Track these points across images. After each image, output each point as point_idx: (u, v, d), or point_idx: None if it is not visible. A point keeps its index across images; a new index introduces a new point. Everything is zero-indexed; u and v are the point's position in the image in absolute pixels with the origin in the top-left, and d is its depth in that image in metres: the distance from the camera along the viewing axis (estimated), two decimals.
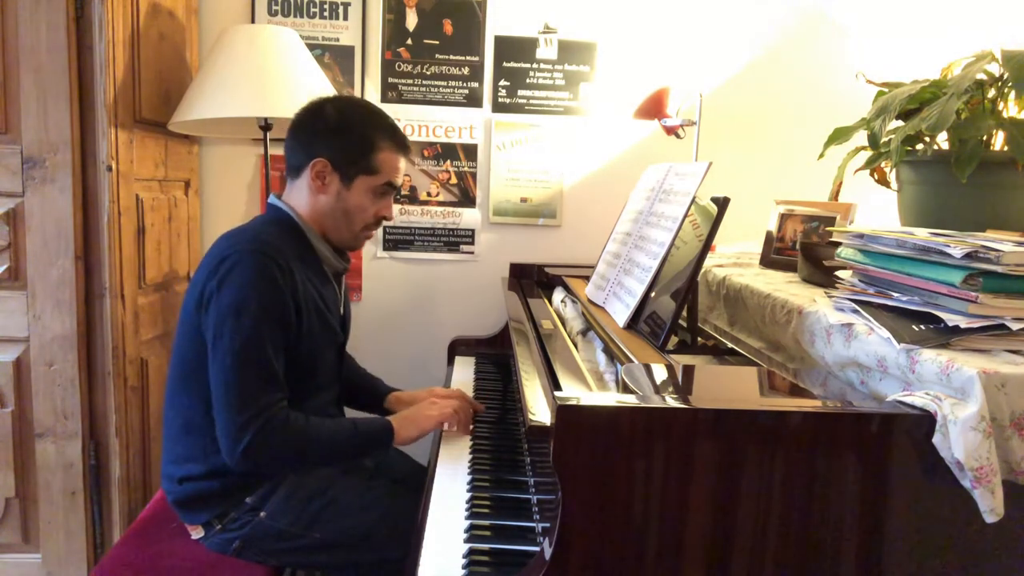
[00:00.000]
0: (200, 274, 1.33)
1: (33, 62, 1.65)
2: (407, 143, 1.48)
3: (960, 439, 0.85)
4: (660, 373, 1.09)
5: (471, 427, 1.52)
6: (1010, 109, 1.35)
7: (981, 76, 1.29)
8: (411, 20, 2.23)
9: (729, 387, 1.11)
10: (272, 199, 1.47)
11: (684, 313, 1.29)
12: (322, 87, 1.95)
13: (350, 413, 1.75)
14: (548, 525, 0.97)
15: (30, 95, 1.65)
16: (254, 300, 1.27)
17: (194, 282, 1.34)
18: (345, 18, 2.22)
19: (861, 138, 1.48)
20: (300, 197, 1.44)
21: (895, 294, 1.08)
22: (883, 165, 1.51)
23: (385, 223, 2.30)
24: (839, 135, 1.53)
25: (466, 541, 1.11)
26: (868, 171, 1.52)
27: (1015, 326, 0.93)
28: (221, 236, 1.37)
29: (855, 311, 1.11)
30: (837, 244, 1.27)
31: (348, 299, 1.64)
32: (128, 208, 1.80)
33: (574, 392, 1.01)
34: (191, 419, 1.34)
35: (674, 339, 1.34)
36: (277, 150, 2.25)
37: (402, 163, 1.47)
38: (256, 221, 1.44)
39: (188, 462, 1.35)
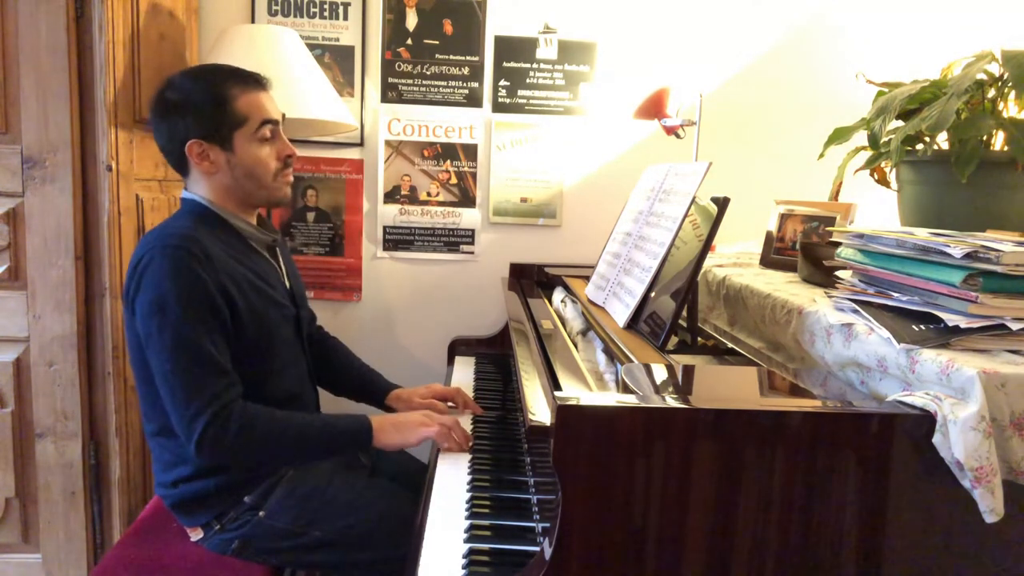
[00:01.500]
0: (124, 283, 1.31)
1: (33, 62, 1.65)
2: (258, 77, 1.41)
3: (960, 439, 0.85)
4: (660, 373, 1.09)
5: (469, 443, 1.45)
6: (1010, 109, 1.35)
7: (981, 76, 1.29)
8: (411, 20, 2.23)
9: (729, 387, 1.11)
10: (183, 193, 1.42)
11: (684, 313, 1.29)
12: (322, 87, 1.95)
13: (348, 406, 1.77)
14: (548, 525, 0.97)
15: (30, 95, 1.66)
16: (173, 293, 1.24)
17: (123, 293, 1.32)
18: (345, 18, 2.22)
19: (861, 138, 1.48)
20: (200, 185, 1.40)
21: (895, 294, 1.08)
22: (883, 165, 1.51)
23: (386, 222, 2.30)
24: (839, 135, 1.53)
25: (466, 541, 1.11)
26: (868, 171, 1.52)
27: (1015, 326, 0.93)
28: (139, 240, 1.35)
29: (855, 311, 1.11)
30: (837, 244, 1.27)
31: (295, 271, 1.59)
32: (128, 208, 1.80)
33: (574, 392, 1.01)
34: (164, 423, 1.32)
35: (674, 339, 1.34)
36: None
37: (264, 98, 1.39)
38: (167, 219, 1.41)
39: (176, 465, 1.34)
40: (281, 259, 1.53)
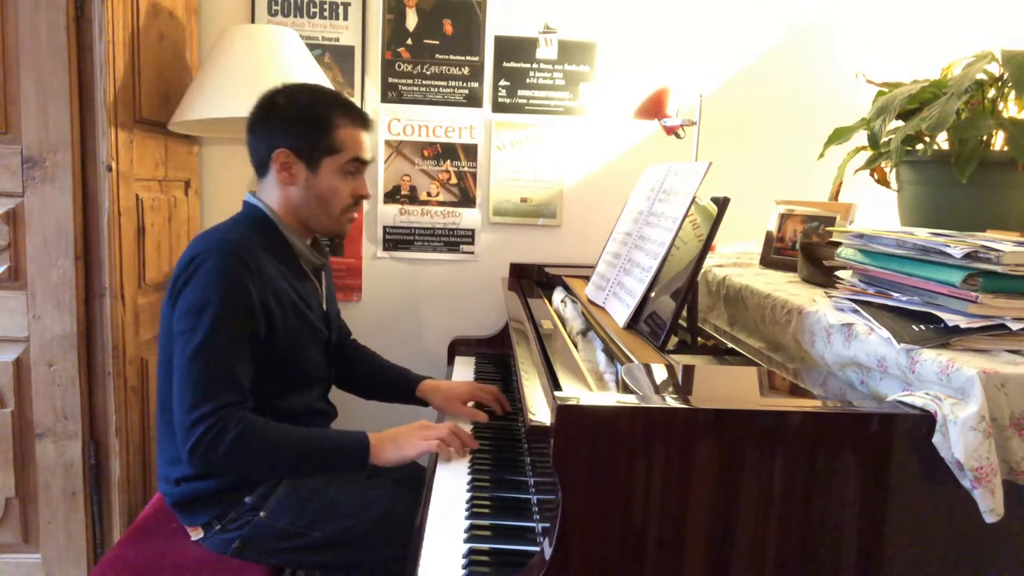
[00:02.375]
0: (173, 274, 1.33)
1: (33, 62, 1.65)
2: (365, 116, 1.46)
3: (960, 439, 0.85)
4: (660, 373, 1.09)
5: (468, 449, 1.43)
6: (1010, 109, 1.35)
7: (981, 76, 1.30)
8: (411, 20, 2.23)
9: (729, 387, 1.11)
10: (248, 197, 1.46)
11: (684, 313, 1.29)
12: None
13: (379, 407, 1.78)
14: (548, 525, 0.97)
15: (30, 95, 1.65)
16: (216, 299, 1.25)
17: (170, 282, 1.34)
18: (345, 18, 2.22)
19: (861, 138, 1.48)
20: (272, 193, 1.43)
21: (895, 294, 1.08)
22: (883, 165, 1.51)
23: (386, 222, 2.30)
24: (839, 135, 1.53)
25: (466, 541, 1.11)
26: (868, 171, 1.52)
27: (1015, 326, 0.93)
28: (197, 235, 1.37)
29: (855, 311, 1.11)
30: (837, 244, 1.27)
31: (333, 295, 1.62)
32: (128, 208, 1.80)
33: (574, 392, 1.01)
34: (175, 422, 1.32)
35: (674, 339, 1.34)
36: None
37: (364, 137, 1.44)
38: (229, 220, 1.43)
39: (181, 462, 1.33)
40: (324, 282, 1.55)
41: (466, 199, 2.32)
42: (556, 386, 1.07)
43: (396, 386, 1.70)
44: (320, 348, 1.50)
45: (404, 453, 1.35)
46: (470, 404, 1.62)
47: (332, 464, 1.33)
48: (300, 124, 1.40)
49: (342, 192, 1.43)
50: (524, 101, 2.28)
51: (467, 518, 1.18)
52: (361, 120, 1.45)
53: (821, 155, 1.58)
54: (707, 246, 1.24)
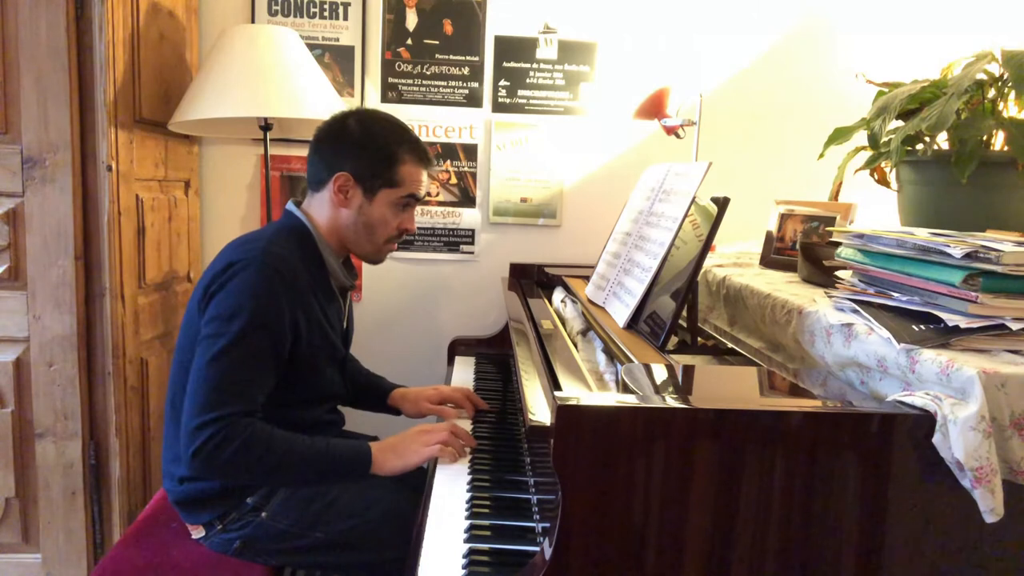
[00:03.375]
0: (207, 276, 1.33)
1: (33, 62, 1.65)
2: (429, 156, 1.49)
3: (960, 439, 0.85)
4: (660, 373, 1.09)
5: (469, 449, 1.44)
6: (1010, 109, 1.35)
7: (981, 76, 1.29)
8: (411, 20, 2.23)
9: (729, 387, 1.11)
10: (290, 206, 1.46)
11: (684, 313, 1.29)
12: (322, 87, 1.95)
13: (354, 415, 1.77)
14: (548, 525, 0.98)
15: (30, 95, 1.65)
16: (248, 309, 1.26)
17: (200, 283, 1.34)
18: (345, 18, 2.22)
19: (861, 138, 1.48)
20: (321, 210, 1.45)
21: (895, 294, 1.08)
22: (883, 165, 1.51)
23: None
24: (839, 135, 1.53)
25: (466, 541, 1.11)
26: (868, 171, 1.52)
27: (1015, 326, 0.93)
28: (235, 239, 1.38)
29: (855, 311, 1.11)
30: (837, 244, 1.27)
31: (352, 314, 1.64)
32: (128, 208, 1.80)
33: (574, 392, 1.01)
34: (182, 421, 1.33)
35: (674, 339, 1.34)
36: (277, 150, 2.25)
37: (424, 176, 1.47)
38: (271, 228, 1.44)
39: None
40: (347, 301, 1.57)
41: (466, 199, 2.32)
42: (556, 386, 1.07)
43: (369, 394, 1.70)
44: (335, 367, 1.51)
45: (407, 462, 1.35)
46: (449, 406, 1.64)
47: (333, 474, 1.32)
48: (367, 152, 1.41)
49: (391, 224, 1.46)
50: (524, 101, 2.28)
51: (467, 518, 1.18)
52: (426, 160, 1.48)
53: (821, 155, 1.58)
54: (707, 246, 1.25)
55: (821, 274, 1.43)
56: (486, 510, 1.21)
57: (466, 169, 2.30)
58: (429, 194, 2.29)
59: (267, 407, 1.30)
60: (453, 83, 2.26)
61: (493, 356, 2.15)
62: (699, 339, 1.38)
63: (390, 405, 1.68)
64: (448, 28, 2.24)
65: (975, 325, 0.94)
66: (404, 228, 1.48)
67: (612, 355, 1.25)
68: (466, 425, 1.54)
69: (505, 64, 2.26)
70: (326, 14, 2.22)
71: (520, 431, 1.54)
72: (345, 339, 1.56)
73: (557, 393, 0.93)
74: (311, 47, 2.08)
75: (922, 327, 0.98)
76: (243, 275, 1.28)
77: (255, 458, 1.24)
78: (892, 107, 1.34)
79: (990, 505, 0.86)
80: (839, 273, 1.25)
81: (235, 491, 1.35)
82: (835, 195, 1.69)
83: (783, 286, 1.41)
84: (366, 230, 1.44)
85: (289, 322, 1.31)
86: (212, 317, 1.27)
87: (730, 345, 1.38)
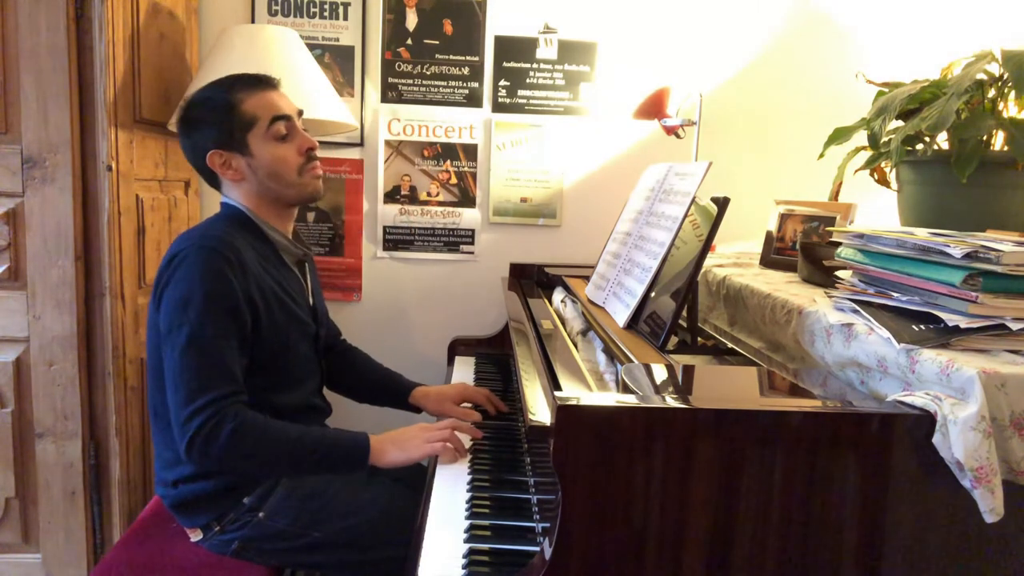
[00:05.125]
0: (156, 276, 1.33)
1: (33, 62, 1.65)
2: (263, 76, 1.44)
3: (960, 439, 0.85)
4: (660, 373, 1.09)
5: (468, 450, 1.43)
6: (1010, 109, 1.35)
7: (981, 76, 1.29)
8: (411, 20, 2.23)
9: (729, 387, 1.11)
10: (223, 198, 1.45)
11: (684, 313, 1.29)
12: (322, 87, 1.95)
13: (371, 412, 1.77)
14: (548, 525, 0.97)
15: (30, 95, 1.65)
16: (199, 293, 1.25)
17: (153, 285, 1.34)
18: (345, 18, 2.22)
19: (861, 138, 1.48)
20: (233, 192, 1.43)
21: (895, 294, 1.08)
22: (883, 165, 1.51)
23: (386, 222, 2.30)
24: (839, 135, 1.53)
25: (466, 541, 1.11)
26: (868, 171, 1.52)
27: (1015, 326, 0.93)
28: (177, 237, 1.37)
29: (855, 311, 1.11)
30: (837, 244, 1.27)
31: (319, 289, 1.61)
32: (128, 208, 1.80)
33: (574, 392, 1.01)
34: (170, 419, 1.32)
35: (674, 339, 1.34)
36: None
37: (273, 96, 1.41)
38: (207, 220, 1.43)
39: (178, 464, 1.34)
40: (309, 276, 1.55)
41: (466, 199, 2.32)
42: (556, 386, 1.07)
43: (388, 390, 1.69)
44: (309, 342, 1.48)
45: (409, 455, 1.34)
46: (465, 405, 1.62)
47: (330, 463, 1.30)
48: (209, 120, 1.38)
49: (285, 156, 1.40)
50: (524, 101, 2.28)
51: (467, 518, 1.18)
52: (260, 82, 1.42)
53: (821, 155, 1.58)
54: (707, 246, 1.24)
55: (821, 274, 1.43)
56: (486, 510, 1.21)
57: (466, 169, 2.30)
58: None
59: (250, 394, 1.30)
60: (453, 83, 2.26)
61: (493, 356, 2.15)
62: (699, 339, 1.38)
63: (410, 403, 1.66)
64: (448, 28, 2.24)
65: (975, 325, 0.94)
66: (305, 147, 1.42)
67: (612, 355, 1.25)
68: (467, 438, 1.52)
69: (505, 64, 2.26)
70: (326, 14, 2.21)
71: (520, 431, 1.54)
72: (315, 314, 1.52)
73: (557, 393, 0.93)
74: (311, 47, 2.08)
75: (922, 327, 0.98)
76: (186, 264, 1.27)
77: (250, 443, 1.23)
78: (892, 107, 1.34)
79: (990, 505, 0.86)
80: (839, 273, 1.25)
81: (231, 491, 1.35)
82: (835, 195, 1.69)
83: (783, 286, 1.41)
84: (273, 178, 1.40)
85: (244, 298, 1.29)
86: (167, 311, 1.27)
87: (730, 345, 1.38)
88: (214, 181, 1.44)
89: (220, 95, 1.39)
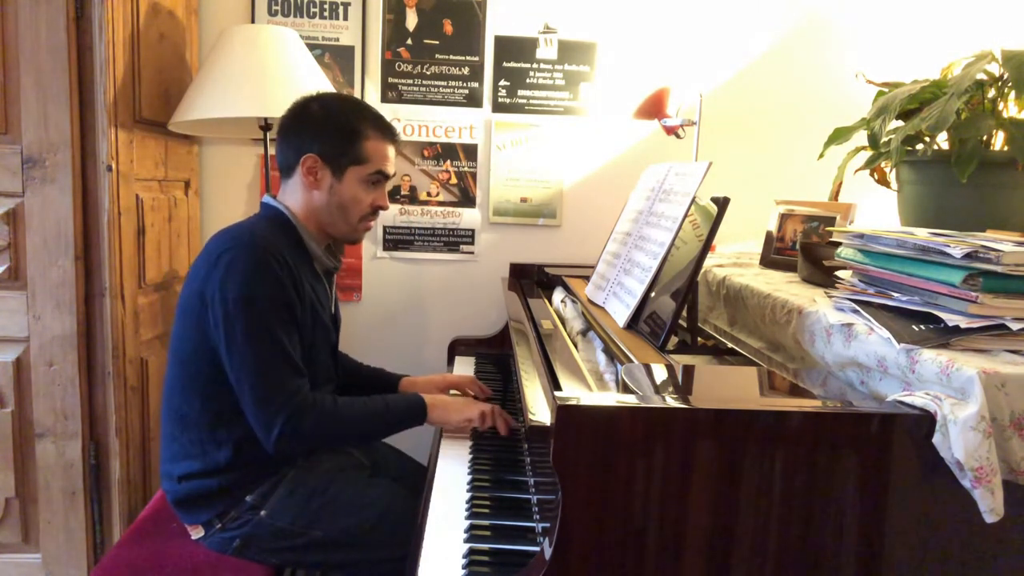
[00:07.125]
0: (198, 271, 1.33)
1: (33, 62, 1.65)
2: (394, 131, 1.50)
3: (960, 439, 0.85)
4: (660, 373, 1.09)
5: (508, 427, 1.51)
6: (1010, 109, 1.35)
7: (981, 76, 1.29)
8: (411, 20, 2.23)
9: (729, 387, 1.11)
10: (266, 198, 1.47)
11: (684, 313, 1.29)
12: (322, 87, 1.95)
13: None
14: (548, 525, 0.98)
15: (30, 95, 1.65)
16: (260, 290, 1.29)
17: (191, 278, 1.35)
18: (345, 18, 2.22)
19: (861, 138, 1.48)
20: (294, 196, 1.45)
21: (895, 294, 1.08)
22: (883, 165, 1.51)
23: (386, 222, 2.30)
24: (839, 135, 1.53)
25: (466, 541, 1.11)
26: (868, 171, 1.52)
27: (1015, 326, 0.93)
28: (216, 233, 1.38)
29: (855, 311, 1.11)
30: (837, 244, 1.27)
31: (338, 300, 1.65)
32: (128, 208, 1.80)
33: (574, 392, 1.01)
34: (187, 415, 1.35)
35: (674, 339, 1.34)
36: None
37: (390, 151, 1.48)
38: (250, 219, 1.45)
39: (186, 459, 1.35)
40: (332, 286, 1.58)
41: (466, 199, 2.32)
42: (556, 386, 1.07)
43: (377, 386, 1.71)
44: (328, 351, 1.52)
45: (450, 419, 1.46)
46: (453, 393, 1.67)
47: (395, 427, 1.42)
48: (331, 132, 1.42)
49: (363, 201, 1.46)
50: (524, 101, 2.28)
51: (467, 518, 1.18)
52: (390, 134, 1.48)
53: (821, 155, 1.58)
54: (707, 246, 1.24)
55: (821, 274, 1.43)
56: (486, 510, 1.21)
57: (466, 169, 2.30)
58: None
59: None
60: (453, 83, 2.26)
61: (493, 356, 2.15)
62: (699, 339, 1.38)
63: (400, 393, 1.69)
64: (448, 28, 2.24)
65: (975, 325, 0.94)
66: (377, 205, 1.49)
67: (612, 355, 1.25)
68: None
69: (505, 64, 2.26)
70: (326, 14, 2.21)
71: (520, 431, 1.54)
72: (335, 323, 1.58)
73: (557, 393, 0.93)
74: (311, 47, 2.08)
75: (922, 327, 0.98)
76: (239, 263, 1.29)
77: (330, 424, 1.33)
78: (892, 107, 1.34)
79: (990, 505, 0.86)
80: (839, 273, 1.25)
81: (234, 489, 1.35)
82: (835, 195, 1.69)
83: (783, 286, 1.41)
84: (340, 210, 1.45)
85: (296, 298, 1.35)
86: (227, 310, 1.28)
87: (730, 345, 1.38)
88: (288, 173, 1.46)
89: (353, 121, 1.43)
